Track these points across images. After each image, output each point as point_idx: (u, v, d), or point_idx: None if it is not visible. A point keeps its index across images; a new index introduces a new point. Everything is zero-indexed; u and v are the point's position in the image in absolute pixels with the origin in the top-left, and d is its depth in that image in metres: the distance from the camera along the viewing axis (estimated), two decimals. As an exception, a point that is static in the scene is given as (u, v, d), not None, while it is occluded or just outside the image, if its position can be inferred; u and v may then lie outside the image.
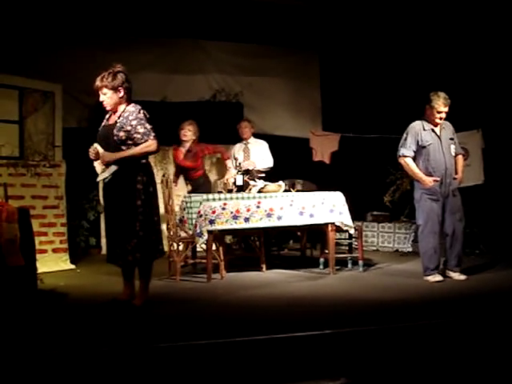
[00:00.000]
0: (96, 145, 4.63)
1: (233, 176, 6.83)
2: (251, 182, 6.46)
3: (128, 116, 4.59)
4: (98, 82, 4.63)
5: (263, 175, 7.26)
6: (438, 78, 7.68)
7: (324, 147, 8.81)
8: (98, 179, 4.74)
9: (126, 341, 3.76)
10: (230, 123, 8.24)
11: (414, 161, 5.82)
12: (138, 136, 4.54)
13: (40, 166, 6.81)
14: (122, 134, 4.54)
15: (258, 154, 7.57)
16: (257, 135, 7.79)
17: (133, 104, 4.71)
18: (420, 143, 5.77)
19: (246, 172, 6.96)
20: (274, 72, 9.31)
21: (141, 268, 4.74)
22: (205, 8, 7.91)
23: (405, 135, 5.85)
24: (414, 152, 5.80)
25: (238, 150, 7.73)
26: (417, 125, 5.84)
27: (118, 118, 4.62)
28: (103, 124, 4.79)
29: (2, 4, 7.10)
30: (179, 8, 7.92)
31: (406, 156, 5.81)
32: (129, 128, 4.54)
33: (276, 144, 7.89)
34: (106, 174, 4.62)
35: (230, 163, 7.61)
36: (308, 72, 9.60)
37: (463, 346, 3.80)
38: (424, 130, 5.79)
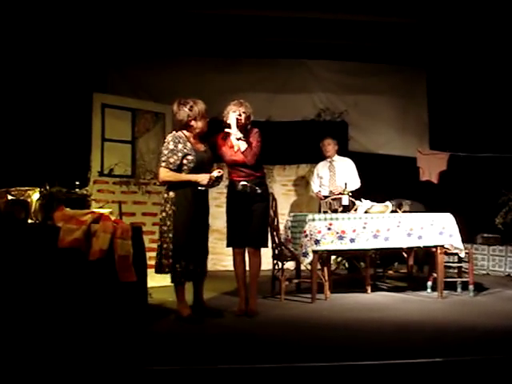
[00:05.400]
0: (216, 171, 4.91)
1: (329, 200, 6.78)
2: (357, 203, 6.36)
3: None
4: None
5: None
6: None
7: (432, 166, 8.57)
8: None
9: (231, 358, 3.79)
10: (334, 142, 8.20)
11: None
12: None
13: (150, 184, 7.12)
14: None
15: (345, 173, 7.37)
16: (362, 154, 7.68)
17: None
18: None
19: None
20: (380, 90, 9.17)
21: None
22: (309, 28, 7.93)
23: None
24: None
25: (321, 167, 7.63)
26: None
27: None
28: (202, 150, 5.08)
29: (118, 35, 7.51)
30: (284, 29, 7.99)
31: None
32: None
33: (382, 163, 7.76)
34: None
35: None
36: (414, 89, 9.39)
37: None
38: None
